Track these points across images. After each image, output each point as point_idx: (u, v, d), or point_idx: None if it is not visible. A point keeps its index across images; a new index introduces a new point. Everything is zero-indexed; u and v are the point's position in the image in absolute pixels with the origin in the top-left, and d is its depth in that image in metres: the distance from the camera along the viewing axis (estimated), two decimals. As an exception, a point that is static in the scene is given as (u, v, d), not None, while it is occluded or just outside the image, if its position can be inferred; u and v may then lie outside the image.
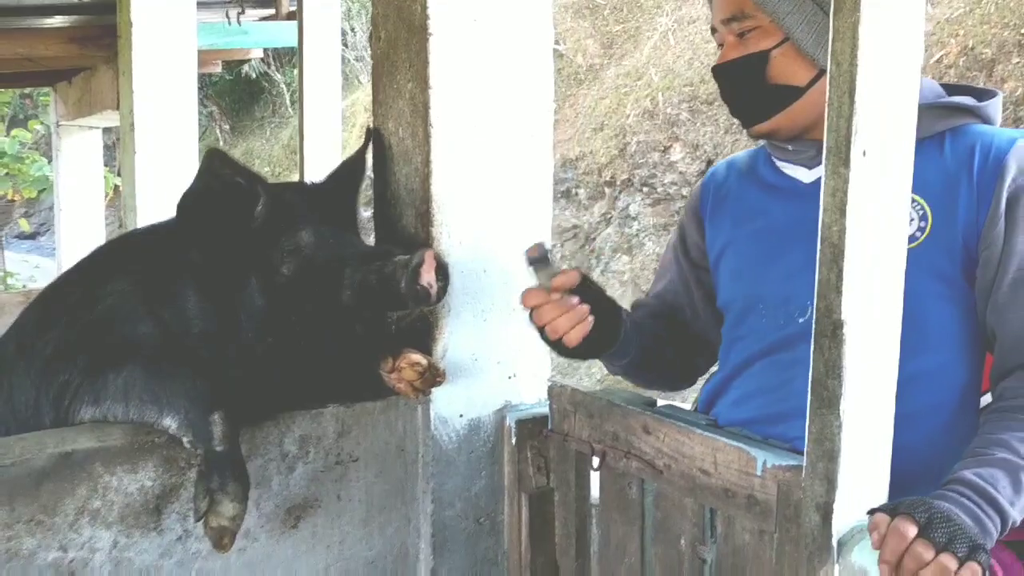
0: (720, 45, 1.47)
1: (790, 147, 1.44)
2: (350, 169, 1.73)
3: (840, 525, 1.13)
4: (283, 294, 1.53)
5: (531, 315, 1.44)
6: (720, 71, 1.45)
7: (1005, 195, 1.30)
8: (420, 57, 1.59)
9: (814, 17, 1.36)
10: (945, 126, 1.36)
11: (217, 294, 1.54)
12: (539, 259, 1.42)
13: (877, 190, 1.09)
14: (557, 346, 1.46)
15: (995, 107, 1.40)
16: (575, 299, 1.40)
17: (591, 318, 1.39)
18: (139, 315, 1.53)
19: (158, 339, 1.52)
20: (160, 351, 1.51)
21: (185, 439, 1.43)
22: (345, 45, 12.43)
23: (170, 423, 1.43)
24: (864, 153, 1.07)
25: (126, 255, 1.67)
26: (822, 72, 1.37)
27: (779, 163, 1.49)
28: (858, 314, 1.10)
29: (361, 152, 1.74)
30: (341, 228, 1.62)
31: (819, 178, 1.41)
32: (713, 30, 1.48)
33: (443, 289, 1.47)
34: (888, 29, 1.07)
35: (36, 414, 1.54)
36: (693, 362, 1.69)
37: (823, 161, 1.07)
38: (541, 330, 1.44)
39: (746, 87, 1.42)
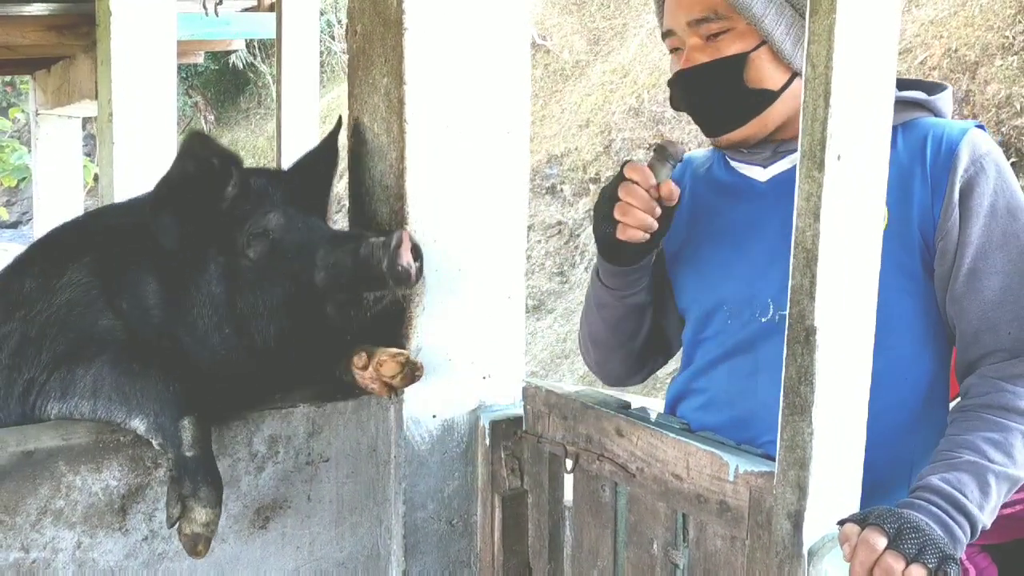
0: (673, 49, 1.42)
1: (745, 148, 1.43)
2: (321, 156, 1.69)
3: (811, 533, 1.12)
4: (247, 280, 1.50)
5: (616, 182, 1.37)
6: (690, 75, 1.39)
7: (958, 185, 1.30)
8: (395, 52, 1.57)
9: (794, 20, 1.35)
10: (898, 120, 1.33)
11: (176, 281, 1.51)
12: (668, 156, 1.36)
13: (851, 195, 1.08)
14: (606, 230, 1.39)
15: (945, 100, 1.40)
16: (659, 211, 1.35)
17: (648, 235, 1.35)
18: (99, 307, 1.50)
19: (120, 331, 1.49)
20: (126, 346, 1.48)
21: (155, 441, 1.41)
22: (332, 37, 12.36)
23: (138, 425, 1.41)
24: (839, 157, 1.06)
25: (82, 241, 1.62)
26: (795, 75, 1.36)
27: (734, 163, 1.47)
28: (831, 320, 1.09)
29: (331, 139, 1.69)
30: (311, 214, 1.59)
31: (774, 176, 1.41)
32: (667, 34, 1.42)
33: (420, 270, 1.45)
34: (864, 32, 1.05)
35: (2, 408, 1.51)
36: (651, 355, 1.64)
37: (796, 165, 1.06)
38: (608, 202, 1.37)
39: (721, 92, 1.38)
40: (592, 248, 8.28)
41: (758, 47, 1.36)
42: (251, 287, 1.49)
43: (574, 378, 7.30)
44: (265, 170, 1.64)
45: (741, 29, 1.36)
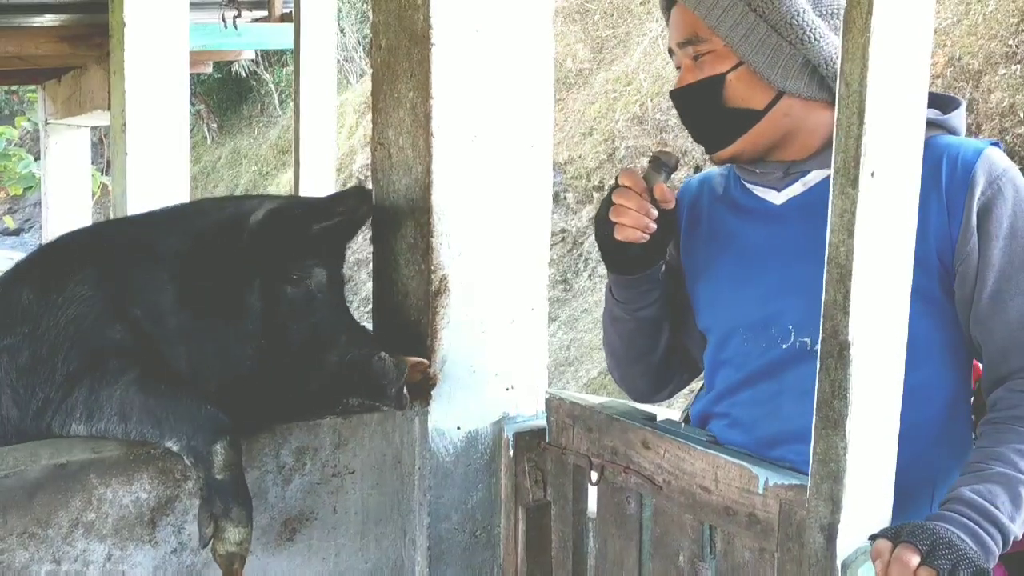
0: (678, 67, 1.44)
1: (757, 169, 1.44)
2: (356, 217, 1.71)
3: (844, 547, 1.13)
4: (280, 311, 1.54)
5: (612, 191, 1.43)
6: (678, 95, 1.43)
7: (976, 208, 1.29)
8: (422, 67, 1.58)
9: (767, 40, 1.35)
10: None
11: (203, 288, 1.53)
12: (662, 165, 1.42)
13: (885, 211, 1.09)
14: (605, 233, 1.44)
15: (959, 117, 1.40)
16: (655, 212, 1.40)
17: (648, 236, 1.40)
18: (107, 320, 1.50)
19: (133, 343, 1.49)
20: (147, 362, 1.48)
21: (187, 460, 1.42)
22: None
23: (172, 446, 1.42)
24: (873, 174, 1.07)
25: (84, 253, 1.61)
26: (780, 94, 1.37)
27: (748, 185, 1.48)
28: (865, 335, 1.10)
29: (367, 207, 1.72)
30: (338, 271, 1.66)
31: (789, 199, 1.42)
32: (671, 51, 1.45)
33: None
34: (897, 51, 1.07)
35: (12, 427, 1.50)
36: (674, 372, 1.66)
37: (821, 183, 1.07)
38: (606, 208, 1.43)
39: (704, 112, 1.41)
40: (595, 255, 8.29)
41: (736, 67, 1.37)
42: (283, 317, 1.54)
43: (578, 385, 7.30)
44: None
45: (720, 50, 1.37)
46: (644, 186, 1.40)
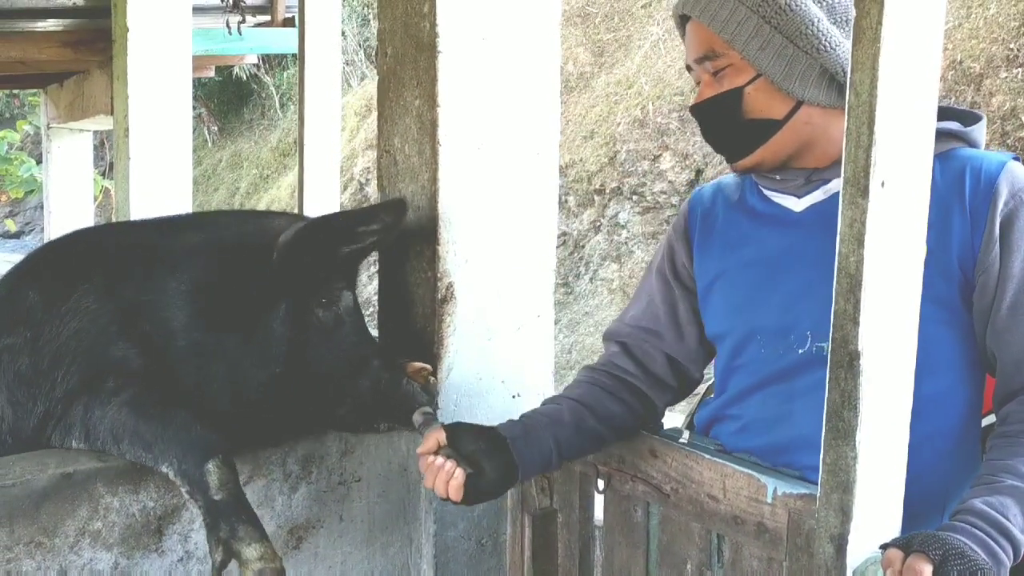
0: (697, 83, 1.45)
1: (778, 176, 1.43)
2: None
3: (854, 557, 1.13)
4: (312, 338, 1.52)
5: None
6: (698, 110, 1.44)
7: (999, 219, 1.29)
8: (428, 75, 1.58)
9: (784, 51, 1.35)
10: (935, 151, 1.34)
11: (229, 309, 1.50)
12: (423, 423, 1.47)
13: (895, 221, 1.09)
14: (455, 502, 1.44)
15: (980, 131, 1.40)
16: (439, 460, 1.39)
17: (459, 472, 1.38)
18: (110, 335, 1.47)
19: (135, 359, 1.47)
20: (142, 382, 1.46)
21: (183, 488, 1.39)
22: (335, 48, 12.36)
23: (166, 471, 1.40)
24: (883, 184, 1.07)
25: (90, 259, 1.58)
26: (799, 103, 1.37)
27: (767, 192, 1.48)
28: (874, 345, 1.10)
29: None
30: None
31: (810, 206, 1.42)
32: (689, 68, 1.46)
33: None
34: (907, 60, 1.07)
35: (7, 427, 1.49)
36: (653, 404, 1.60)
37: (840, 192, 1.06)
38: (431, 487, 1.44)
39: (724, 124, 1.41)
40: (596, 258, 8.30)
41: (755, 79, 1.37)
42: (314, 342, 1.52)
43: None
44: None
45: (738, 64, 1.38)
46: (432, 446, 1.40)
